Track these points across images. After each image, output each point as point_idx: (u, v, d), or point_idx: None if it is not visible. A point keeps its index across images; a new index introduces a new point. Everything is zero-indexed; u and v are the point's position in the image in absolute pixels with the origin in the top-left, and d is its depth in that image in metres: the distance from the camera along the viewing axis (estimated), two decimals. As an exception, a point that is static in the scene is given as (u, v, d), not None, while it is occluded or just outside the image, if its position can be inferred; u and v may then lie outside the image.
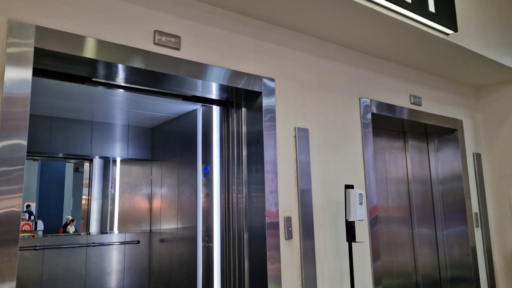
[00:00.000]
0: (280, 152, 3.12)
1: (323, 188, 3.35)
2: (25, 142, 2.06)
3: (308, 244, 3.13)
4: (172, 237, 4.64)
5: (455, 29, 3.59)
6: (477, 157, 4.94)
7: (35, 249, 4.37)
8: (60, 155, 5.07)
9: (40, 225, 5.29)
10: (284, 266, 2.98)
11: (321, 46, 3.57)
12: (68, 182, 6.18)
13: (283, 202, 3.07)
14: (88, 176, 5.43)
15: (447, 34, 3.60)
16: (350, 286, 3.05)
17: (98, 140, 5.19)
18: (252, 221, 3.05)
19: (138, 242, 5.04)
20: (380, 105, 3.97)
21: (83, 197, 5.39)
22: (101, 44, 2.39)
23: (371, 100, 3.88)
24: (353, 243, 3.26)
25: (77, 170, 5.92)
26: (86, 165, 5.46)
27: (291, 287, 2.99)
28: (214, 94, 3.13)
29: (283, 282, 2.95)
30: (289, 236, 3.04)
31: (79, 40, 2.31)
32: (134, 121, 5.24)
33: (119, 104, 4.53)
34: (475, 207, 4.75)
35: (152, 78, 2.73)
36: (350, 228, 3.08)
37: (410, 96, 4.30)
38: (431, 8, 3.40)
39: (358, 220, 3.06)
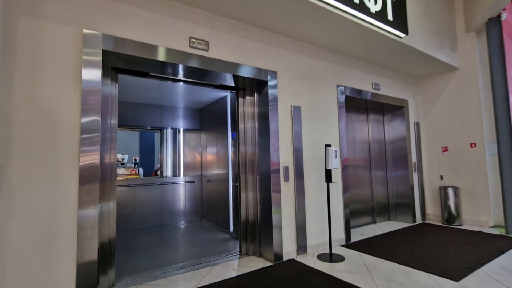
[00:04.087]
0: (281, 123, 2.86)
1: (310, 147, 3.08)
2: (98, 118, 1.86)
3: (300, 184, 2.91)
4: (214, 179, 4.52)
5: (406, 32, 3.12)
6: (417, 125, 4.53)
7: (128, 186, 4.35)
8: (142, 126, 4.94)
9: (141, 170, 5.31)
10: (283, 198, 2.79)
11: (309, 48, 3.19)
12: (156, 144, 6.14)
13: (283, 156, 2.83)
14: (162, 140, 5.31)
15: (400, 37, 3.15)
16: (327, 210, 2.85)
17: (165, 117, 5.03)
18: (262, 168, 2.84)
19: (194, 182, 4.95)
20: (351, 90, 3.59)
21: (164, 153, 5.35)
22: (153, 48, 2.13)
23: (344, 87, 3.51)
24: (330, 184, 3.03)
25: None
26: (164, 132, 5.35)
27: (288, 211, 2.82)
28: (234, 83, 2.84)
29: (282, 207, 2.77)
30: (286, 179, 2.83)
31: (140, 45, 2.07)
32: (189, 104, 5.04)
33: (178, 93, 4.33)
34: (414, 158, 4.40)
35: (190, 72, 2.47)
36: (328, 173, 2.83)
37: (372, 83, 3.89)
38: (390, 17, 2.94)
39: (334, 168, 2.81)
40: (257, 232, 2.88)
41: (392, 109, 4.49)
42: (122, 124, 4.62)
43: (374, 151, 4.49)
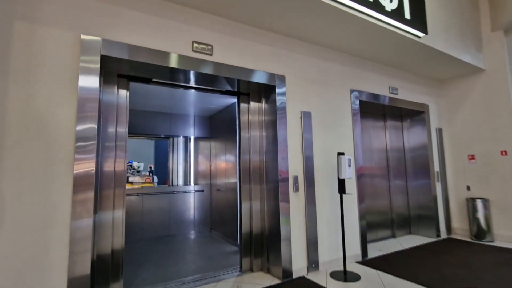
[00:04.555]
0: (290, 129, 2.69)
1: (322, 155, 2.89)
2: (95, 126, 1.79)
3: (310, 194, 2.72)
4: (223, 188, 4.39)
5: (425, 32, 2.90)
6: (439, 131, 4.21)
7: (137, 195, 4.30)
8: (151, 134, 4.92)
9: (155, 178, 5.28)
10: (292, 209, 2.61)
11: (320, 51, 3.03)
12: (170, 152, 6.13)
13: (292, 165, 2.66)
14: (171, 149, 5.26)
15: (419, 36, 2.93)
16: (341, 223, 2.62)
17: (175, 125, 5.00)
18: (269, 177, 2.68)
19: (203, 191, 4.85)
20: (366, 94, 3.38)
21: (174, 161, 5.29)
22: (155, 53, 2.06)
23: (359, 91, 3.31)
24: (343, 194, 2.81)
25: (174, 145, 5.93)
26: (175, 140, 5.30)
27: (297, 223, 2.62)
28: (237, 88, 2.71)
29: (291, 219, 2.59)
30: (296, 189, 2.64)
31: (141, 50, 2.00)
32: (198, 112, 4.98)
33: (187, 100, 4.28)
34: (436, 167, 4.08)
35: (193, 77, 2.37)
36: (341, 183, 2.62)
37: (389, 87, 3.66)
38: (407, 15, 2.74)
39: (347, 178, 2.59)
40: (264, 245, 2.70)
41: (412, 114, 4.21)
42: (133, 133, 4.62)
43: (392, 159, 4.21)
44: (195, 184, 5.07)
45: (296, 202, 2.64)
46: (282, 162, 2.58)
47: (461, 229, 4.07)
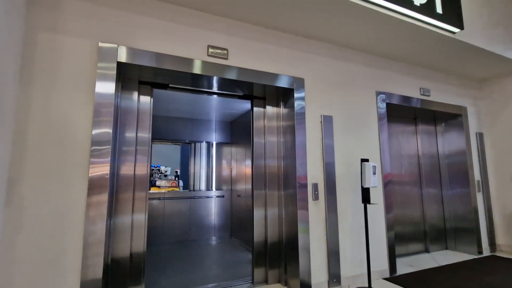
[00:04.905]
0: (309, 134, 2.56)
1: (344, 161, 2.72)
2: (110, 130, 1.81)
3: (332, 203, 2.55)
4: (243, 194, 4.33)
5: (461, 27, 2.64)
6: (480, 136, 3.81)
7: (159, 199, 4.39)
8: (174, 140, 5.02)
9: (181, 183, 5.39)
10: (312, 219, 2.46)
11: (343, 52, 2.88)
12: (193, 157, 6.22)
13: (311, 172, 2.52)
14: (193, 154, 5.32)
15: (453, 32, 2.67)
16: (365, 235, 2.42)
17: (196, 131, 5.06)
18: (287, 184, 2.56)
19: (223, 196, 4.83)
20: (394, 96, 3.15)
21: (197, 166, 5.36)
22: (170, 59, 2.06)
23: (385, 93, 3.09)
24: (368, 204, 2.61)
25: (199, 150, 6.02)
26: (197, 145, 5.36)
27: (317, 234, 2.47)
28: (253, 91, 2.63)
29: (310, 230, 2.44)
30: (315, 197, 2.50)
31: (156, 56, 2.01)
32: (220, 117, 5.00)
33: (208, 105, 4.31)
34: (477, 175, 3.68)
35: (209, 82, 2.34)
36: (365, 193, 2.43)
37: (420, 89, 3.38)
38: (438, 9, 2.51)
39: (372, 187, 2.39)
40: (282, 255, 2.57)
41: (447, 117, 3.85)
42: (157, 138, 4.74)
43: (425, 165, 3.87)
44: (217, 189, 5.06)
45: (315, 211, 2.49)
46: (300, 169, 2.45)
47: (507, 246, 3.61)
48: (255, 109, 2.73)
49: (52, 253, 1.63)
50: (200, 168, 5.30)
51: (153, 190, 4.55)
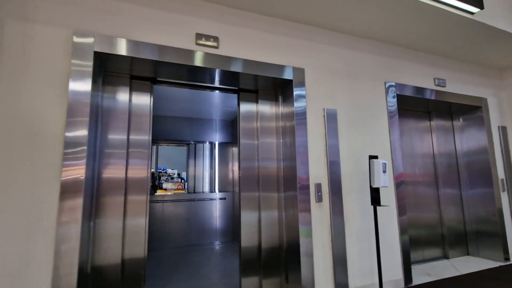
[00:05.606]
0: (310, 130, 2.33)
1: (351, 159, 2.47)
2: (86, 132, 1.63)
3: (337, 205, 2.30)
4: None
5: (481, 6, 2.35)
6: (503, 130, 3.46)
7: (157, 202, 4.23)
8: (174, 140, 4.87)
9: (186, 185, 5.27)
10: (315, 223, 2.22)
11: (347, 39, 2.64)
12: (199, 158, 6.06)
13: (314, 171, 2.29)
14: (193, 155, 5.15)
15: (472, 13, 2.38)
16: (376, 240, 2.16)
17: (197, 131, 4.90)
18: (286, 185, 2.34)
19: (225, 198, 4.63)
20: (405, 87, 2.87)
21: (199, 168, 5.21)
22: (154, 48, 1.88)
23: (396, 84, 2.82)
24: (378, 206, 2.35)
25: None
26: (201, 146, 5.19)
27: (321, 240, 2.23)
28: (253, 84, 2.42)
29: (313, 235, 2.20)
30: (319, 199, 2.26)
31: (138, 45, 1.84)
32: (220, 116, 4.83)
33: (210, 103, 4.15)
34: (501, 174, 3.34)
35: (198, 74, 2.15)
36: (374, 193, 2.17)
37: (434, 79, 3.09)
38: (455, -14, 2.24)
39: (382, 186, 2.14)
40: (281, 263, 2.34)
41: (465, 110, 3.53)
42: (157, 139, 4.60)
43: (441, 163, 3.55)
44: (220, 191, 4.88)
45: (319, 214, 2.25)
46: (301, 168, 2.22)
47: (538, 252, 3.25)
48: (241, 103, 2.50)
49: (19, 263, 1.46)
50: (203, 170, 5.13)
51: (160, 192, 4.45)
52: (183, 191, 4.72)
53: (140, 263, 2.02)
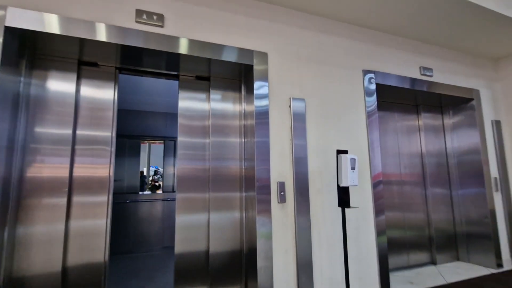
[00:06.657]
0: (274, 122, 2.07)
1: (321, 156, 2.20)
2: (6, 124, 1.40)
3: (303, 206, 2.04)
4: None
5: (467, -19, 2.08)
6: (496, 124, 3.18)
7: (126, 202, 4.00)
8: (144, 136, 4.61)
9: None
10: (276, 227, 1.97)
11: (319, 22, 2.37)
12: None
13: (277, 168, 2.03)
14: (166, 152, 4.90)
15: (457, -11, 2.11)
16: (343, 248, 1.91)
17: (170, 125, 4.64)
18: (248, 183, 2.08)
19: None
20: (386, 76, 2.60)
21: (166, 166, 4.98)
22: (86, 25, 1.63)
23: (375, 72, 2.55)
24: (346, 208, 2.08)
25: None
26: (169, 143, 4.97)
27: (283, 245, 1.97)
28: (206, 70, 2.14)
29: (274, 239, 1.95)
30: (282, 199, 2.00)
31: (70, 22, 1.59)
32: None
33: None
34: (494, 172, 3.06)
35: (140, 57, 1.89)
36: (342, 193, 1.91)
37: (420, 67, 2.81)
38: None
39: (352, 185, 1.87)
40: (243, 270, 2.09)
41: (455, 102, 3.24)
42: (121, 134, 4.35)
43: (429, 161, 3.27)
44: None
45: (281, 216, 1.99)
46: (260, 165, 1.96)
47: (534, 257, 2.97)
48: (181, 91, 2.19)
49: None
50: (175, 168, 4.87)
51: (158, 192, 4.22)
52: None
53: (96, 269, 1.81)
